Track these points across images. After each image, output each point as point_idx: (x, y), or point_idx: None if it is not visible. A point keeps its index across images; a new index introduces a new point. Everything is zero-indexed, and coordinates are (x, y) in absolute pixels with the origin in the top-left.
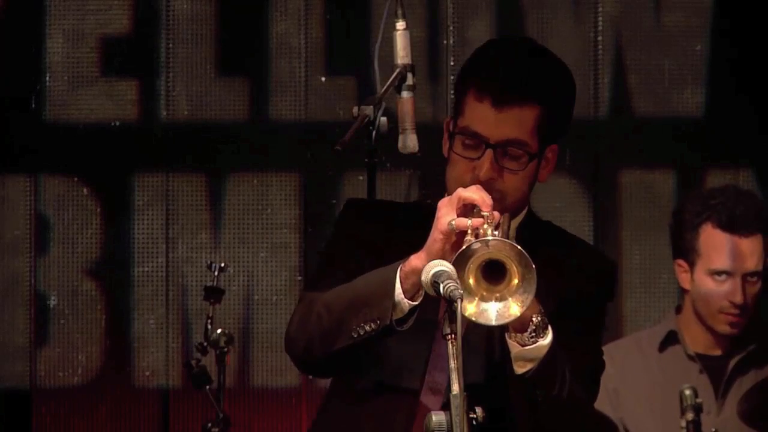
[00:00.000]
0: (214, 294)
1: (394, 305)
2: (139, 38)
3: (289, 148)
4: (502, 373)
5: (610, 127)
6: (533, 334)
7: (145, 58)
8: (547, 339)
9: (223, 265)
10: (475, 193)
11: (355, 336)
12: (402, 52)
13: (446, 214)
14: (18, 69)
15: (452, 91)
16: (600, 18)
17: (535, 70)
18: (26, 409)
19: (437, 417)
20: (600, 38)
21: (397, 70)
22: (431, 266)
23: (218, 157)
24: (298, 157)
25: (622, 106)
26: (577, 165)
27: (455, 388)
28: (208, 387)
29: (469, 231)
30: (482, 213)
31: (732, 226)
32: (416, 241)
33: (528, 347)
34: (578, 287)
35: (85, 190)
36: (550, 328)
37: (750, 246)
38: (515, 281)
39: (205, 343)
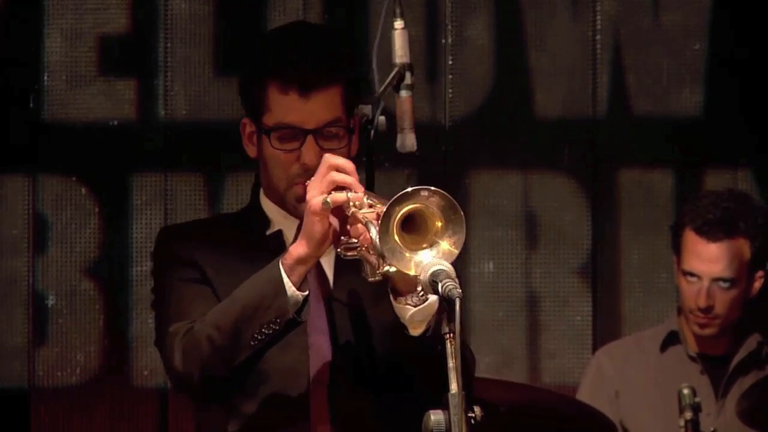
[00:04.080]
0: None
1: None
2: (137, 38)
3: None
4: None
5: (609, 127)
6: (422, 292)
7: (144, 58)
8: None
9: None
10: (347, 177)
11: (255, 343)
12: (400, 51)
13: (316, 195)
14: (16, 68)
15: (450, 90)
16: (598, 17)
17: (327, 49)
18: (24, 409)
19: (435, 416)
20: (598, 37)
21: (396, 69)
22: (429, 265)
23: (217, 157)
24: None
25: (621, 105)
26: (576, 164)
27: (453, 387)
28: None
29: (351, 204)
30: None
31: (702, 229)
32: (244, 248)
33: (420, 307)
34: None
35: (83, 189)
36: None
37: (718, 251)
38: (438, 224)
39: None
